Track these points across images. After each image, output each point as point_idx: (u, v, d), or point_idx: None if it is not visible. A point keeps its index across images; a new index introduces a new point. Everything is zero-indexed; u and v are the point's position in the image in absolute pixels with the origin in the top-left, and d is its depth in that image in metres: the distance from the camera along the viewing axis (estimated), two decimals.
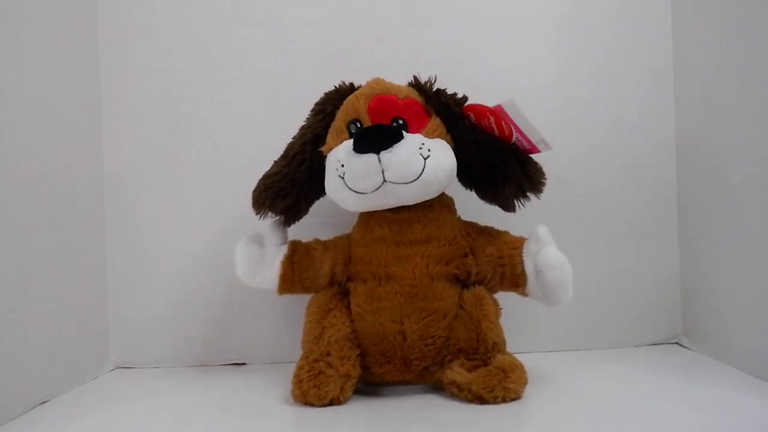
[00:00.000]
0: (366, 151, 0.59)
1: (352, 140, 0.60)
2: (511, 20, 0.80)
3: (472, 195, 0.68)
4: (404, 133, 0.60)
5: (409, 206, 0.63)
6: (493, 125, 0.62)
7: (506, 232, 0.67)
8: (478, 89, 0.66)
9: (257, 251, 0.67)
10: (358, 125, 0.64)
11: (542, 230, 0.63)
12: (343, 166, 0.61)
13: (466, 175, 0.66)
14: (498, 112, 0.60)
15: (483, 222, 0.68)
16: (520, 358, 0.63)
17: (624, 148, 0.80)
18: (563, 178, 0.78)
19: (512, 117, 0.59)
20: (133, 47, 0.79)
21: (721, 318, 0.71)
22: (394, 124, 0.62)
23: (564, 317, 0.80)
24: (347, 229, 0.69)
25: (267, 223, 0.67)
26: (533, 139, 0.60)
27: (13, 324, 0.61)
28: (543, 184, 0.64)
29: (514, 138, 0.61)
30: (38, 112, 0.66)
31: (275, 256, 0.67)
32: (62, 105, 0.71)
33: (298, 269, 0.67)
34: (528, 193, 0.63)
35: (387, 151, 0.59)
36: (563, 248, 0.79)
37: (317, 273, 0.67)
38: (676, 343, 0.81)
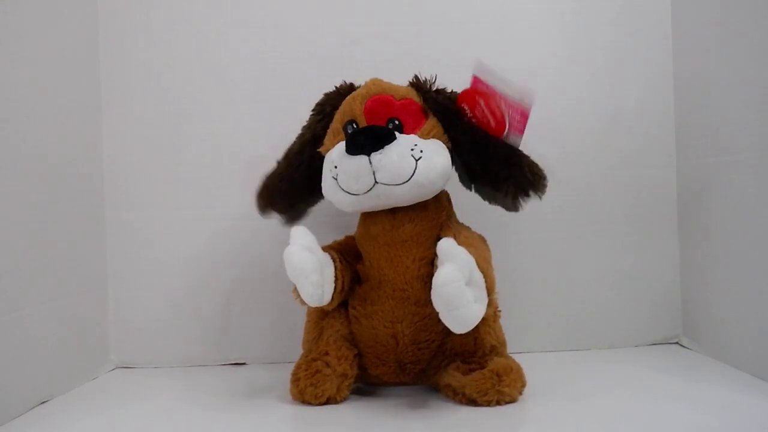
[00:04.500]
0: (357, 153, 0.58)
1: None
2: (512, 20, 0.80)
3: (472, 195, 0.68)
4: (397, 134, 0.60)
5: (404, 206, 0.62)
6: (485, 111, 0.61)
7: (464, 235, 0.62)
8: None
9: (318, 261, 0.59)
10: (354, 126, 0.63)
11: (442, 245, 0.54)
12: (336, 167, 0.60)
13: (467, 175, 0.66)
14: (483, 91, 0.60)
15: (484, 220, 0.68)
16: (519, 358, 0.63)
17: (624, 148, 0.80)
18: (563, 177, 0.78)
19: (490, 82, 0.59)
20: (133, 47, 0.79)
21: (721, 318, 0.71)
22: (390, 125, 0.62)
23: (564, 317, 0.80)
24: (348, 229, 0.69)
25: (298, 229, 0.60)
26: (516, 97, 0.60)
27: (13, 324, 0.61)
28: (544, 184, 0.62)
29: (507, 119, 0.61)
30: (38, 112, 0.66)
31: (326, 266, 0.61)
32: (62, 104, 0.71)
33: (342, 281, 0.62)
34: (530, 192, 0.61)
35: (377, 152, 0.58)
36: (563, 248, 0.80)
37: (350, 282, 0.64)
38: (676, 343, 0.81)
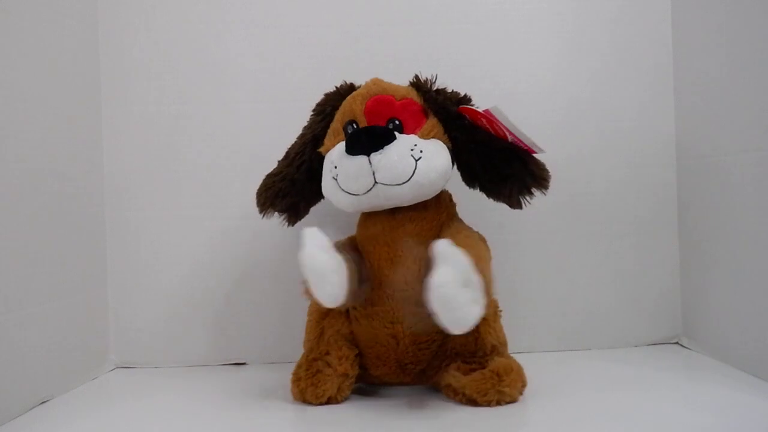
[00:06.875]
0: (357, 153, 0.58)
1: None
2: (512, 20, 0.80)
3: (473, 194, 0.68)
4: (397, 134, 0.60)
5: (405, 206, 0.62)
6: (488, 127, 0.61)
7: (464, 235, 0.61)
8: (478, 89, 0.66)
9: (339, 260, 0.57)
10: (354, 126, 0.63)
11: (438, 246, 0.53)
12: (336, 167, 0.60)
13: (469, 174, 0.66)
14: (489, 116, 0.59)
15: (484, 221, 0.68)
16: (520, 357, 0.63)
17: (624, 148, 0.80)
18: (563, 178, 0.77)
19: (501, 121, 0.59)
20: (133, 47, 0.79)
21: (721, 318, 0.71)
22: (390, 125, 0.62)
23: (564, 317, 0.80)
24: (349, 228, 0.69)
25: (311, 230, 0.57)
26: (525, 140, 0.60)
27: (13, 324, 0.61)
28: (547, 180, 0.62)
29: (509, 138, 0.61)
30: (38, 112, 0.66)
31: (341, 266, 0.58)
32: (62, 105, 0.71)
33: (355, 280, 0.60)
34: (533, 190, 0.61)
35: (377, 152, 0.58)
36: (563, 248, 0.80)
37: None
38: (676, 343, 0.81)
